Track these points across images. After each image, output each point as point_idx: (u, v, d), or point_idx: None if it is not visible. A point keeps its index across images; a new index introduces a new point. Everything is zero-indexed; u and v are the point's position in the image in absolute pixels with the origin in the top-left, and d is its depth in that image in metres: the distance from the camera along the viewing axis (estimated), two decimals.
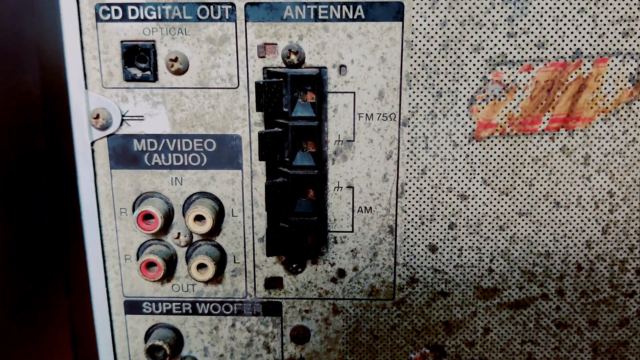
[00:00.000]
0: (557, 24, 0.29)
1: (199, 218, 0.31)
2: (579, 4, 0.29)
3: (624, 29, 0.29)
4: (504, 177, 0.31)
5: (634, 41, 0.30)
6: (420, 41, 0.30)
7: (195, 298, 0.34)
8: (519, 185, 0.31)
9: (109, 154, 0.32)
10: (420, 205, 0.32)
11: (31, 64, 0.44)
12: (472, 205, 0.32)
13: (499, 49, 0.30)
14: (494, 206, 0.32)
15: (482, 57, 0.30)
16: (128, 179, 0.32)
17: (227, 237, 0.33)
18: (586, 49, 0.30)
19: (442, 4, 0.29)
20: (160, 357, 0.34)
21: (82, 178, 0.32)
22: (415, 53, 0.30)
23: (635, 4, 0.29)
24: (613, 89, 0.30)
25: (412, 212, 0.32)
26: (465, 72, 0.30)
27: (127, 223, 0.33)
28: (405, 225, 0.32)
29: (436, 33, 0.30)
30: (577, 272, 0.33)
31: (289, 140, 0.30)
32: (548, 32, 0.29)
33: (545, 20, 0.29)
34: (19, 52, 0.43)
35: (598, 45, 0.30)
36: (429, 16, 0.29)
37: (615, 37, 0.30)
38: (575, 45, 0.30)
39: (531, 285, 0.33)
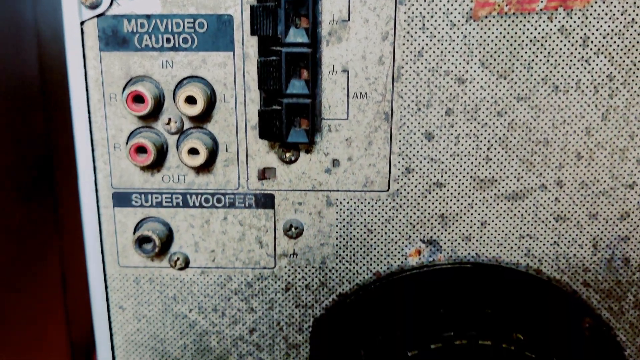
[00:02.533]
0: None
1: (190, 100, 0.31)
2: None
3: None
4: (502, 60, 0.31)
5: None
6: None
7: (186, 190, 0.33)
8: (517, 68, 0.31)
9: (98, 35, 0.31)
10: (416, 90, 0.31)
11: None
12: (469, 90, 0.31)
13: None
14: (492, 90, 0.31)
15: None
16: (118, 62, 0.31)
17: (219, 124, 0.32)
18: None
19: None
20: (149, 249, 0.33)
21: (71, 62, 0.31)
22: None
23: None
24: None
25: (409, 97, 0.31)
26: None
27: (117, 109, 0.32)
28: (401, 112, 0.32)
29: None
30: (577, 161, 0.32)
31: (281, 14, 0.29)
32: None
33: None
34: None
35: None
36: None
37: None
38: None
39: (529, 176, 0.32)
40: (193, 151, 0.31)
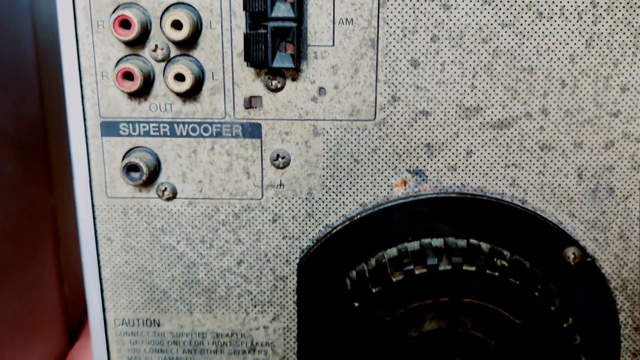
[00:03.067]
0: None
1: (177, 24, 0.31)
2: None
3: None
4: None
5: None
6: None
7: (173, 118, 0.33)
8: None
9: None
10: (402, 15, 0.31)
11: None
12: (454, 16, 0.31)
13: None
14: (477, 16, 0.31)
15: None
16: None
17: (205, 51, 0.32)
18: None
19: None
20: (136, 177, 0.33)
21: None
22: None
23: None
24: None
25: (394, 23, 0.31)
26: None
27: (105, 37, 0.32)
28: (387, 39, 0.32)
29: None
30: (561, 89, 0.32)
31: None
32: None
33: None
34: None
35: None
36: None
37: None
38: None
39: (514, 104, 0.32)
40: (179, 77, 0.31)
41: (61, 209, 0.56)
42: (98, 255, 0.36)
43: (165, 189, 0.34)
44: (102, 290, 0.36)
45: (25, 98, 0.47)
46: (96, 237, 0.35)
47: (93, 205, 0.35)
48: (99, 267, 0.36)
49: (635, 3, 0.31)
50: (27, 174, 0.50)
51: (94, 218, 0.35)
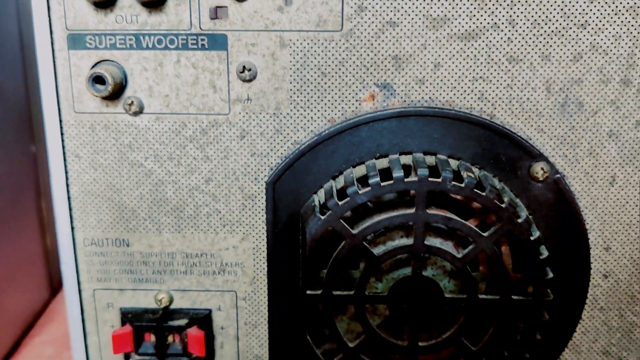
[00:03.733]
0: None
1: None
2: None
3: None
4: None
5: None
6: None
7: (139, 30, 0.33)
8: None
9: None
10: None
11: None
12: None
13: None
14: None
15: None
16: None
17: None
18: None
19: None
20: (102, 89, 0.33)
21: None
22: None
23: None
24: None
25: None
26: None
27: None
28: None
29: None
30: None
31: None
32: None
33: None
34: None
35: None
36: None
37: None
38: None
39: (482, 14, 0.32)
40: None
41: (42, 157, 0.56)
42: (66, 172, 0.35)
43: (132, 102, 0.34)
44: (70, 209, 0.36)
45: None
46: (64, 154, 0.35)
47: (61, 121, 0.35)
48: (67, 185, 0.36)
49: None
50: (8, 121, 0.50)
51: (62, 134, 0.35)
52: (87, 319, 0.38)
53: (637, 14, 0.32)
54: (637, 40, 0.32)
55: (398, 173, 0.32)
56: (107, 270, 0.37)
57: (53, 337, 0.56)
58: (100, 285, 0.37)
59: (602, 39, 0.32)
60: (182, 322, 0.37)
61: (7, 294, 0.50)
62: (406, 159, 0.34)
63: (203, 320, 0.37)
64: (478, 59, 0.33)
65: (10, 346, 0.51)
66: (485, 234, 0.32)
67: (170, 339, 0.37)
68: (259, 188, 0.35)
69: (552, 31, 0.32)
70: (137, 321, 0.37)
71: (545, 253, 0.33)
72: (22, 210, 0.54)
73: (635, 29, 0.32)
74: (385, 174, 0.33)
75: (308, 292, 0.34)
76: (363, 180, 0.34)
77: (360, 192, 0.32)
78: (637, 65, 0.33)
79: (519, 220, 0.32)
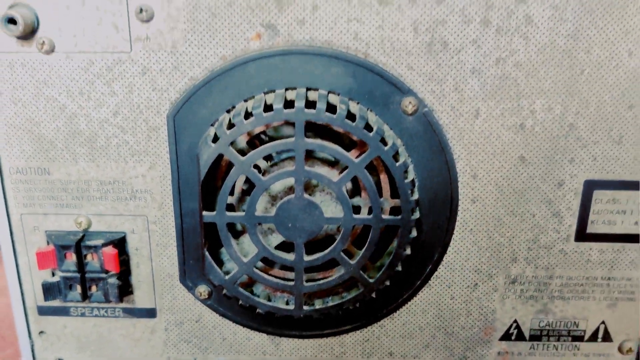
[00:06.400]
0: None
1: None
2: None
3: None
4: None
5: None
6: None
7: None
8: None
9: None
10: None
11: None
12: None
13: None
14: None
15: None
16: None
17: None
18: None
19: None
20: (14, 29, 0.36)
21: None
22: None
23: None
24: None
25: None
26: None
27: None
28: None
29: None
30: None
31: None
32: None
33: None
34: None
35: None
36: None
37: None
38: None
39: None
40: None
41: None
42: None
43: (44, 42, 0.37)
44: None
45: None
46: None
47: None
48: None
49: None
50: None
51: None
52: (17, 241, 0.42)
53: None
54: None
55: (278, 105, 0.36)
56: (31, 197, 0.41)
57: None
58: (26, 210, 0.41)
59: None
60: (99, 242, 0.41)
61: None
62: (291, 94, 0.38)
63: (119, 242, 0.41)
64: (352, 2, 0.36)
65: None
66: (356, 160, 0.36)
67: (89, 257, 0.42)
68: (161, 121, 0.39)
69: None
70: (60, 242, 0.41)
71: (411, 177, 0.37)
72: None
73: None
74: (269, 105, 0.37)
75: (205, 214, 0.38)
76: (254, 108, 0.37)
77: (245, 122, 0.36)
78: (495, 7, 0.36)
79: (386, 148, 0.36)
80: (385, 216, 0.38)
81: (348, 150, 0.38)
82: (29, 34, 0.37)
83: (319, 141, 0.37)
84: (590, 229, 0.41)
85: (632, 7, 0.36)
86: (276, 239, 0.41)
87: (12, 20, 0.36)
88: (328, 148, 0.36)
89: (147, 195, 0.41)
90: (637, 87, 0.37)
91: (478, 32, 0.37)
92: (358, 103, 0.38)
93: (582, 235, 0.41)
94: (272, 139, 0.39)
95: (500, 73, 0.37)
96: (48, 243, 0.42)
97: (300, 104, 0.36)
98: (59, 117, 0.39)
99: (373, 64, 0.37)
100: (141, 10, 0.37)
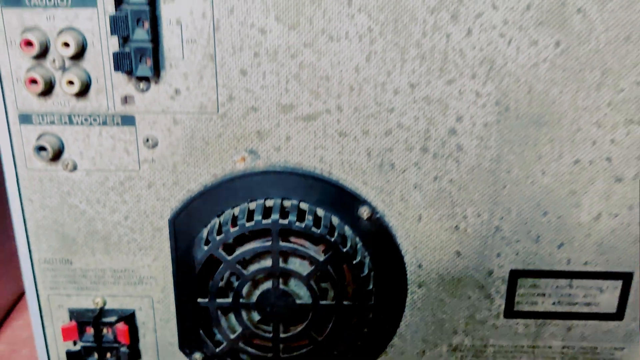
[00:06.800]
0: None
1: (66, 44, 0.41)
2: None
3: None
4: (291, 15, 0.41)
5: None
6: None
7: (70, 112, 0.44)
8: (301, 21, 0.41)
9: None
10: (231, 38, 0.42)
11: None
12: (269, 38, 0.42)
13: None
14: (286, 39, 0.42)
15: None
16: (14, 16, 0.42)
17: (91, 62, 0.43)
18: None
19: None
20: (44, 156, 0.44)
21: None
22: None
23: None
24: None
25: (226, 43, 0.42)
26: None
27: (16, 51, 0.43)
28: (221, 54, 0.42)
29: None
30: (350, 92, 0.43)
31: None
32: None
33: None
34: None
35: None
36: None
37: None
38: None
39: (317, 103, 0.43)
40: (70, 83, 0.42)
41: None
42: (23, 212, 0.47)
43: (68, 163, 0.45)
44: (27, 238, 0.48)
45: None
46: (20, 199, 0.47)
47: (17, 175, 0.46)
48: (24, 221, 0.47)
49: (399, 28, 0.41)
50: None
51: (18, 185, 0.46)
52: (45, 316, 0.50)
53: (429, 104, 0.43)
54: (431, 121, 0.43)
55: (258, 217, 0.44)
56: (57, 282, 0.49)
57: (27, 321, 0.69)
58: (52, 292, 0.49)
59: (405, 120, 0.43)
60: (113, 319, 0.49)
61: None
62: (269, 203, 0.46)
63: (129, 317, 0.50)
64: (317, 134, 0.44)
65: None
66: (321, 259, 0.44)
67: (105, 331, 0.49)
68: (164, 223, 0.47)
69: (369, 114, 0.43)
70: (80, 318, 0.49)
71: (367, 270, 0.45)
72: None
73: (430, 113, 0.43)
74: (250, 214, 0.45)
75: (199, 300, 0.46)
76: (239, 218, 0.45)
77: (231, 230, 0.44)
78: (432, 138, 0.44)
79: (345, 250, 0.44)
80: (347, 302, 0.46)
81: (318, 242, 0.46)
82: (56, 157, 0.45)
83: (290, 245, 0.44)
84: (517, 307, 0.49)
85: (544, 138, 0.44)
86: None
87: (42, 148, 0.44)
88: (298, 249, 0.44)
89: (152, 280, 0.49)
90: (550, 198, 0.46)
91: (419, 157, 0.45)
92: (324, 210, 0.46)
93: (510, 312, 0.49)
94: (252, 232, 0.47)
95: (437, 187, 0.45)
96: (70, 319, 0.50)
97: (275, 216, 0.44)
98: (80, 220, 0.47)
99: (335, 180, 0.45)
100: (147, 139, 0.44)
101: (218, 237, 0.45)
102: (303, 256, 0.46)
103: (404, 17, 0.42)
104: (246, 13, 0.42)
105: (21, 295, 0.73)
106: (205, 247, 0.45)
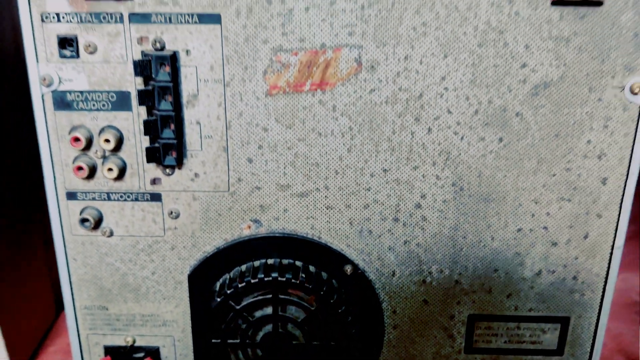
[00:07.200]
0: (310, 27, 0.48)
1: (107, 140, 0.51)
2: (322, 15, 0.48)
3: (349, 31, 0.48)
4: (287, 118, 0.51)
5: (355, 38, 0.49)
6: (232, 36, 0.48)
7: (109, 190, 0.54)
8: (296, 122, 0.51)
9: (52, 102, 0.51)
10: (240, 134, 0.51)
11: None
12: (270, 134, 0.51)
13: (277, 42, 0.49)
14: (283, 135, 0.51)
15: (270, 46, 0.49)
16: (65, 117, 0.51)
17: (126, 152, 0.52)
18: (329, 42, 0.49)
19: (242, 15, 0.48)
20: (87, 225, 0.54)
21: (37, 118, 0.52)
22: (230, 43, 0.48)
23: (354, 16, 0.48)
24: (345, 66, 0.49)
25: (236, 138, 0.52)
26: (260, 55, 0.49)
27: (66, 145, 0.52)
28: (232, 147, 0.52)
29: (241, 32, 0.48)
30: (335, 175, 0.53)
31: (155, 93, 0.49)
32: (305, 32, 0.48)
33: (303, 24, 0.48)
34: None
35: (335, 39, 0.49)
36: (235, 22, 0.48)
37: (344, 36, 0.49)
38: (322, 40, 0.48)
39: (309, 183, 0.53)
40: (110, 169, 0.52)
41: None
42: (68, 268, 0.56)
43: (106, 231, 0.55)
44: (71, 289, 0.57)
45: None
46: (66, 258, 0.56)
47: (64, 239, 0.55)
48: (69, 275, 0.57)
49: (374, 127, 0.51)
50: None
51: (65, 246, 0.56)
52: (84, 352, 0.59)
53: (398, 184, 0.52)
54: (400, 198, 0.53)
55: (260, 275, 0.53)
56: (94, 324, 0.58)
57: (60, 347, 0.78)
58: (91, 332, 0.59)
59: (379, 197, 0.53)
60: (141, 354, 0.58)
61: (25, 315, 0.72)
62: (270, 261, 0.55)
63: (154, 353, 0.59)
64: (309, 207, 0.54)
65: (30, 355, 0.73)
66: (312, 309, 0.54)
67: None
68: (184, 277, 0.56)
69: (351, 192, 0.53)
70: (114, 353, 0.58)
71: (349, 318, 0.55)
72: (33, 256, 0.74)
73: (399, 192, 0.53)
74: (255, 271, 0.54)
75: (213, 340, 0.55)
76: (243, 275, 0.55)
77: (239, 285, 0.53)
78: (402, 211, 0.53)
79: (332, 301, 0.53)
80: (334, 342, 0.55)
81: (311, 293, 0.56)
82: (96, 226, 0.54)
83: (287, 297, 0.54)
84: (475, 345, 0.59)
85: (492, 211, 0.53)
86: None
87: (85, 220, 0.54)
88: (294, 300, 0.54)
89: (174, 323, 0.58)
90: (499, 258, 0.55)
91: (391, 225, 0.54)
92: (316, 267, 0.55)
93: (469, 349, 0.59)
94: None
95: (407, 250, 0.55)
96: (106, 354, 0.59)
97: (275, 274, 0.53)
98: (115, 275, 0.57)
99: (324, 243, 0.55)
100: (171, 212, 0.54)
101: (229, 291, 0.54)
102: (298, 304, 0.56)
103: (378, 119, 0.52)
104: (252, 116, 0.51)
105: (53, 322, 0.82)
106: (218, 299, 0.55)
